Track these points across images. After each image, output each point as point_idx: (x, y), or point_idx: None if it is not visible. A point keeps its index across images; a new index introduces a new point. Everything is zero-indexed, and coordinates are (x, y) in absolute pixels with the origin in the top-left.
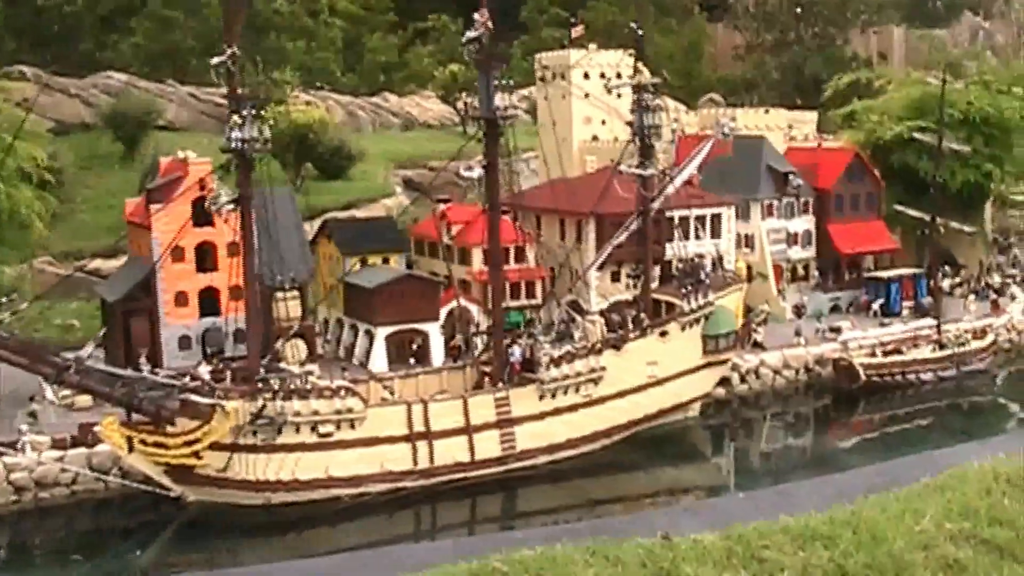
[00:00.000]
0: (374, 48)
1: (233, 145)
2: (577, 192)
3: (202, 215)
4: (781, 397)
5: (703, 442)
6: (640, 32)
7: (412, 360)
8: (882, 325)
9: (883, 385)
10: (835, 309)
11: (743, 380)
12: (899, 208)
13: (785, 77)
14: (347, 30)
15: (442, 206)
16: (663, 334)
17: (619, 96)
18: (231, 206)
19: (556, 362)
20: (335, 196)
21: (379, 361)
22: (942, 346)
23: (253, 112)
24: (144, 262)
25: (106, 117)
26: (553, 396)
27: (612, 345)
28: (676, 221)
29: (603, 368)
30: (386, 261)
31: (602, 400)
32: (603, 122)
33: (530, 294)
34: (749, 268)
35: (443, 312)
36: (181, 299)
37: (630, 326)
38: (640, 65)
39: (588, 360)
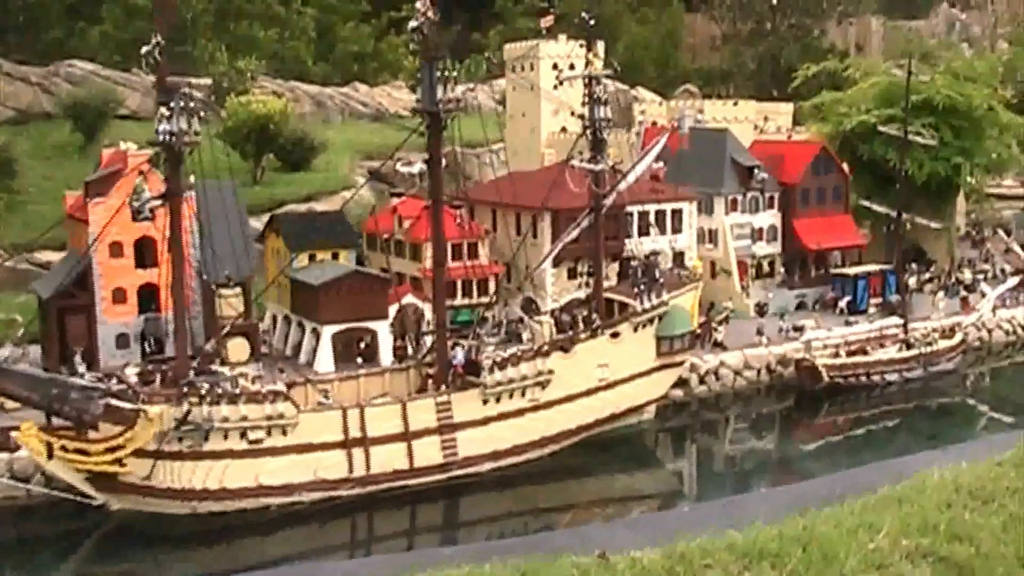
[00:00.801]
0: (346, 37)
1: (161, 138)
2: (533, 186)
3: None
4: (742, 399)
5: (659, 447)
6: (592, 22)
7: (360, 360)
8: (847, 323)
9: (847, 386)
10: (801, 306)
11: (702, 381)
12: (865, 203)
13: (761, 68)
14: (319, 19)
15: (394, 200)
16: (614, 335)
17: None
18: (157, 202)
19: (500, 365)
20: (295, 188)
21: (325, 361)
22: (909, 346)
23: (183, 104)
24: (83, 258)
25: (65, 106)
26: (497, 400)
27: (560, 347)
28: (635, 217)
29: (550, 371)
30: (336, 257)
31: (550, 404)
32: (572, 113)
33: (482, 292)
34: (713, 264)
35: (392, 310)
36: (119, 296)
37: (580, 327)
38: (591, 56)
39: (534, 363)
